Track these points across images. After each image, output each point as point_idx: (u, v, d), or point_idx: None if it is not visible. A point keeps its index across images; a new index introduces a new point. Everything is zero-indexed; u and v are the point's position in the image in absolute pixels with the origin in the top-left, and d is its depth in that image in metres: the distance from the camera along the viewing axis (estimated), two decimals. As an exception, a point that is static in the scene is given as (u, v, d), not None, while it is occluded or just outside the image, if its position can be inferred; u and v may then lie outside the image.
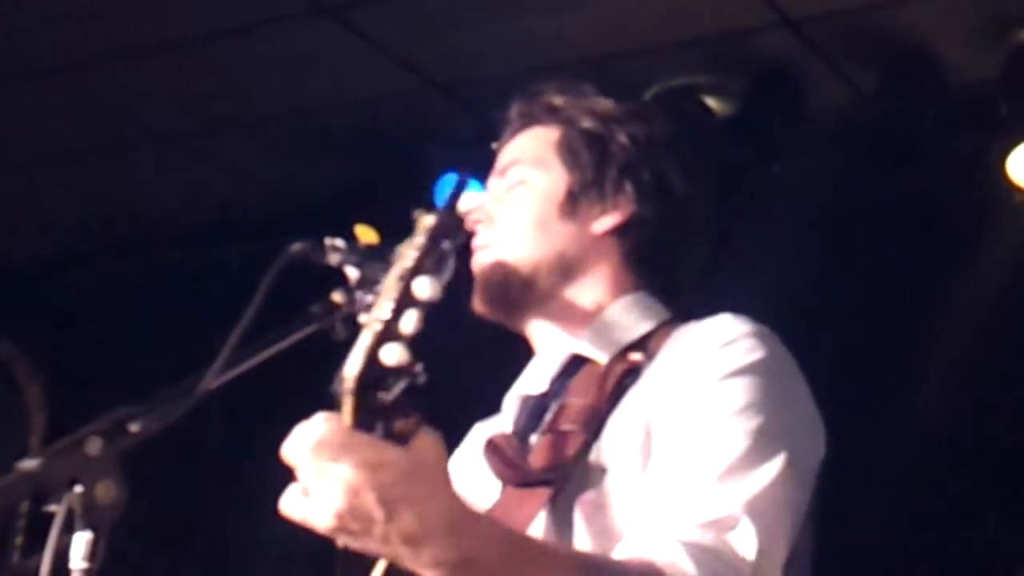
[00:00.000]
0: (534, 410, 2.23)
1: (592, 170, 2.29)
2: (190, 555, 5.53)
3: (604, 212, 2.28)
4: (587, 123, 2.32)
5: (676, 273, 2.33)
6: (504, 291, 2.26)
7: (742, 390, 2.03)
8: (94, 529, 1.72)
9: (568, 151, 2.31)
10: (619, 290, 2.28)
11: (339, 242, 2.00)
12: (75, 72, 5.02)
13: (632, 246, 2.29)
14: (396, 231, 1.86)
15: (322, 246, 1.99)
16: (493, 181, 2.37)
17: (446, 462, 1.71)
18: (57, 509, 1.73)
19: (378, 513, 1.63)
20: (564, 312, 2.26)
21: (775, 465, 1.98)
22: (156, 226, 5.94)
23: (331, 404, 1.67)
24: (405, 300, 1.63)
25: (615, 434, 2.09)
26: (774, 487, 1.96)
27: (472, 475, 2.24)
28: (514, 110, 2.40)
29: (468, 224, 2.27)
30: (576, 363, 2.23)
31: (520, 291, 2.26)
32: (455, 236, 1.72)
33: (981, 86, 4.54)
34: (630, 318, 2.24)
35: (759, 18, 4.49)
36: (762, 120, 4.74)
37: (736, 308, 2.19)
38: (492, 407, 2.37)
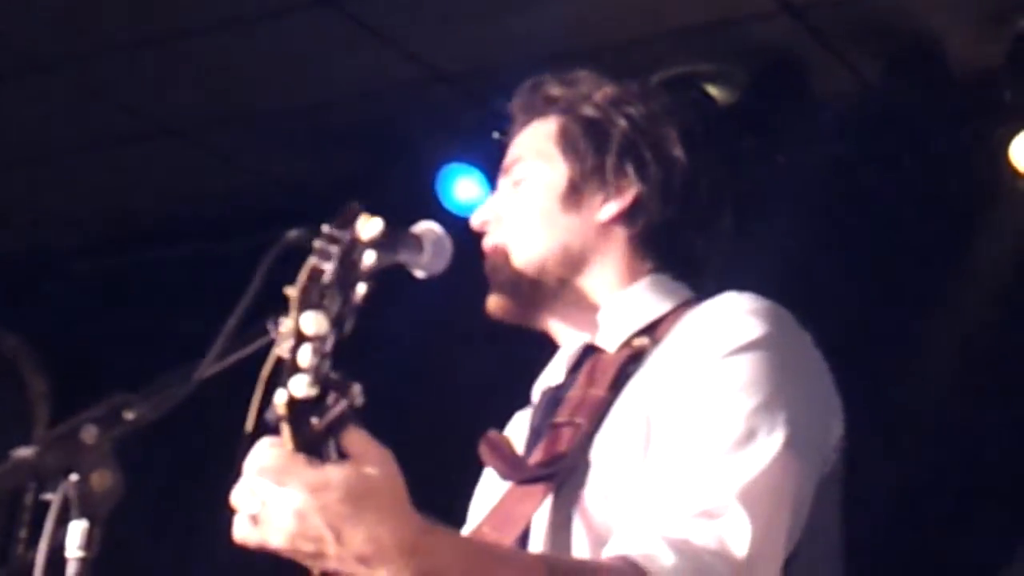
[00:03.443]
0: (550, 403, 2.21)
1: (592, 158, 2.26)
2: (189, 542, 5.52)
3: (608, 199, 2.25)
4: (584, 110, 2.29)
5: (691, 249, 2.27)
6: (515, 292, 2.24)
7: (737, 369, 1.98)
8: (90, 518, 1.72)
9: (567, 141, 2.28)
10: (632, 276, 2.24)
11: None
12: (79, 65, 5.02)
13: (640, 229, 2.25)
14: (400, 222, 1.85)
15: (319, 233, 1.97)
16: (502, 180, 2.34)
17: (398, 479, 1.68)
18: (53, 498, 1.73)
19: (327, 535, 1.63)
20: (578, 305, 2.23)
21: (772, 447, 1.91)
22: (161, 219, 5.93)
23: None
24: (298, 337, 1.65)
25: (616, 424, 2.05)
26: (771, 471, 1.90)
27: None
28: (515, 104, 2.37)
29: (478, 226, 2.28)
30: (588, 353, 2.21)
31: (531, 289, 2.23)
32: (349, 255, 1.72)
33: (985, 73, 4.53)
34: (641, 304, 2.20)
35: (762, 5, 4.48)
36: (765, 108, 4.72)
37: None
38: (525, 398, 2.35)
